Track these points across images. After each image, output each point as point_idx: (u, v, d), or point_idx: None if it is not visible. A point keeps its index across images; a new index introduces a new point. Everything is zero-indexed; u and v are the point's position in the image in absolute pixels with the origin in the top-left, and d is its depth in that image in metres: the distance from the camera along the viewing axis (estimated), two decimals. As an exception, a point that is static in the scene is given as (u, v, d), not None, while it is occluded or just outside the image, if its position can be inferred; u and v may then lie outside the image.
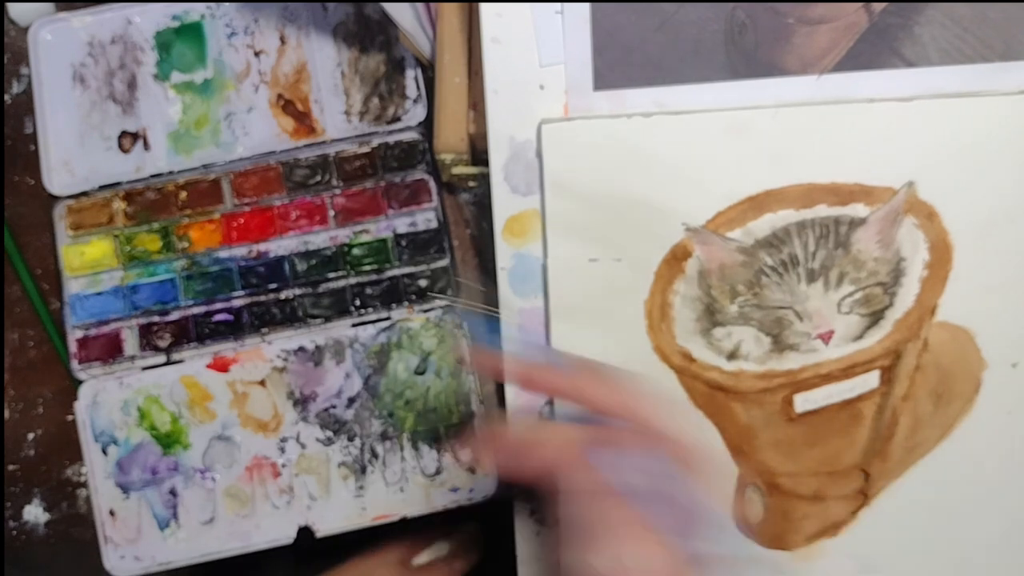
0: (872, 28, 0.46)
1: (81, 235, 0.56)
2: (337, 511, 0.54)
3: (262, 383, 0.55)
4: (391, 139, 0.56)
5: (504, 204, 0.48)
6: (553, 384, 0.36)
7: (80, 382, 0.55)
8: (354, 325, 0.55)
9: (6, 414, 0.56)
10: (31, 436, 0.56)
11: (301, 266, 0.55)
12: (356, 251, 0.55)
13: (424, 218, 0.56)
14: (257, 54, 0.56)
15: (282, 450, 0.55)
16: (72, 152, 0.56)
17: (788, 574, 0.50)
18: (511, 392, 0.51)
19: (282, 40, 0.56)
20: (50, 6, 0.57)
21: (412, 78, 0.56)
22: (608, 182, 0.47)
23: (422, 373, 0.55)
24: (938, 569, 0.53)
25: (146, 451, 0.55)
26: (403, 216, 0.56)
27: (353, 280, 0.56)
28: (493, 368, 0.40)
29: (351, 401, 0.55)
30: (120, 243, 0.56)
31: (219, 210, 0.56)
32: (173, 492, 0.55)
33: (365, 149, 0.56)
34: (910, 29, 0.46)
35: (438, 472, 0.55)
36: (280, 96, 0.56)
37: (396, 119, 0.56)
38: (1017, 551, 0.53)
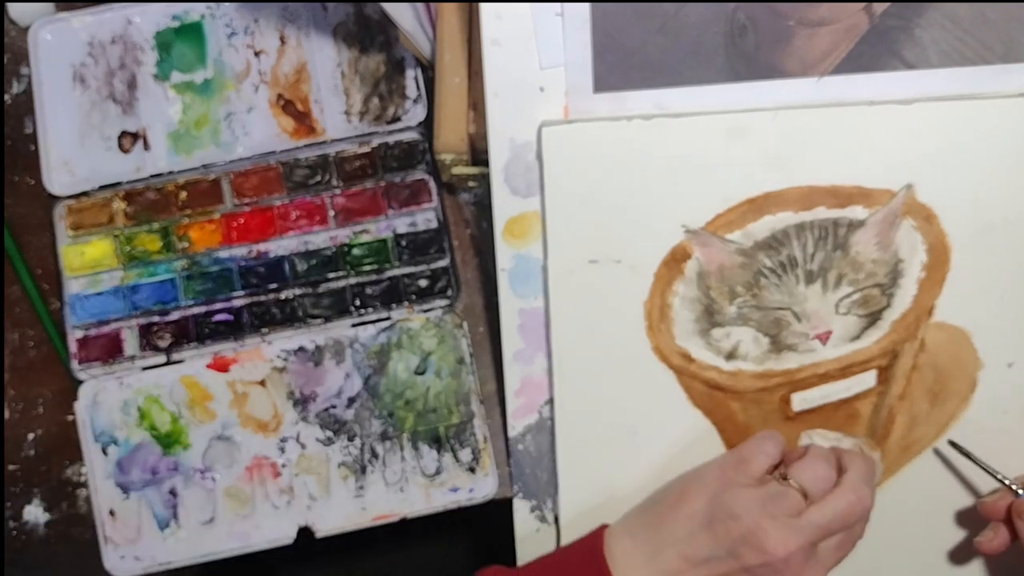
0: (873, 30, 0.46)
1: (81, 235, 0.56)
2: (337, 511, 0.55)
3: (262, 383, 0.55)
4: (391, 139, 0.56)
5: (504, 206, 0.48)
6: None
7: (80, 382, 0.55)
8: (354, 325, 0.55)
9: (6, 414, 0.56)
10: (31, 436, 0.56)
11: (301, 266, 0.55)
12: (356, 251, 0.55)
13: (424, 218, 0.56)
14: (257, 54, 0.56)
15: (282, 450, 0.55)
16: (72, 152, 0.56)
17: None
18: (511, 392, 0.51)
19: (282, 40, 0.56)
20: (50, 6, 0.56)
21: (412, 78, 0.56)
22: (608, 184, 0.47)
23: (422, 373, 0.55)
24: (934, 565, 0.53)
25: (146, 451, 0.55)
26: (403, 216, 0.56)
27: (353, 280, 0.56)
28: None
29: (351, 401, 0.55)
30: (120, 243, 0.56)
31: (219, 210, 0.56)
32: (173, 492, 0.55)
33: (365, 149, 0.56)
34: (911, 31, 0.46)
35: (438, 472, 0.55)
36: (280, 96, 0.56)
37: (396, 119, 0.56)
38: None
